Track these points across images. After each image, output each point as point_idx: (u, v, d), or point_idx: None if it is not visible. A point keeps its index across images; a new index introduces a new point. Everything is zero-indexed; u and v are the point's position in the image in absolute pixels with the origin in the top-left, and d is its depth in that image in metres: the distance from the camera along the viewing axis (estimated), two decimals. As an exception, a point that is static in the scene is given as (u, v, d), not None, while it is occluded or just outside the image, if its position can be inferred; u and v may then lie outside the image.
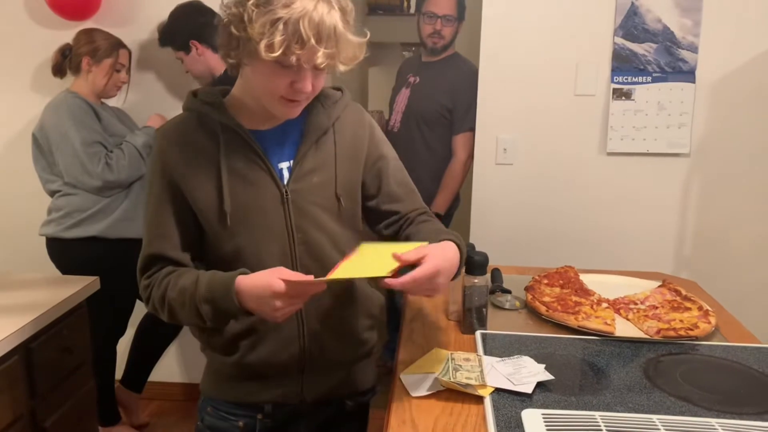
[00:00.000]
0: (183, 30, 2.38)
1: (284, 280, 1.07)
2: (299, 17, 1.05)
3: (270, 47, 1.06)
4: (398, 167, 1.37)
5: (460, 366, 1.25)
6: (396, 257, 1.09)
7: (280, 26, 1.05)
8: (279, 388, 1.30)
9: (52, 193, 2.39)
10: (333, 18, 1.08)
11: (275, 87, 1.13)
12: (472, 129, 2.58)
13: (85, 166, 2.25)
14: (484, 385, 1.18)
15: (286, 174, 1.24)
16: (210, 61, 2.38)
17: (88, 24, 2.49)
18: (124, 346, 2.62)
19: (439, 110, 2.74)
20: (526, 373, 1.22)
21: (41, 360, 1.63)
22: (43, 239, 2.39)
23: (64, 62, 2.38)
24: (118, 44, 2.39)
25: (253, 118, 1.23)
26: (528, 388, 1.16)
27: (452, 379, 1.18)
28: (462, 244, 1.24)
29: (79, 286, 1.81)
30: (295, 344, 1.26)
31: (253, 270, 1.17)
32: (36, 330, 1.60)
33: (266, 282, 1.09)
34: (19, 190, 2.74)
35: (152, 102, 2.65)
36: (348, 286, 1.31)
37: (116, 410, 2.60)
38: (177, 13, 2.40)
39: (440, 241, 1.20)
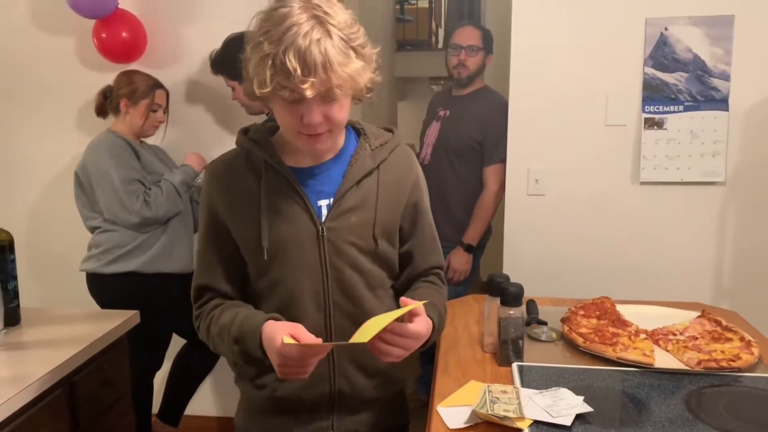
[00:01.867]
0: (237, 60, 2.41)
1: (287, 344, 1.08)
2: (285, 50, 1.06)
3: (261, 84, 1.10)
4: (431, 220, 1.39)
5: (498, 398, 1.24)
6: (403, 301, 1.14)
7: (269, 62, 1.08)
8: (311, 424, 1.30)
9: (92, 230, 2.45)
10: (323, 46, 1.07)
11: (288, 123, 1.16)
12: (503, 160, 2.59)
13: (124, 203, 2.31)
14: (522, 418, 1.17)
15: (324, 211, 1.25)
16: None
17: (134, 66, 2.58)
18: (160, 380, 2.65)
19: (469, 142, 2.76)
20: (564, 405, 1.20)
21: (83, 393, 1.66)
22: (84, 275, 2.45)
23: (106, 104, 2.47)
24: (154, 85, 2.47)
25: (296, 155, 1.26)
26: (567, 421, 1.15)
27: (490, 412, 1.18)
28: (439, 323, 1.27)
29: (120, 320, 1.85)
30: (325, 382, 1.27)
31: (289, 304, 1.21)
32: (79, 363, 1.63)
33: (273, 336, 1.12)
34: (61, 227, 2.83)
35: (192, 139, 2.72)
36: (356, 311, 1.28)
37: (153, 444, 2.62)
38: (233, 43, 2.42)
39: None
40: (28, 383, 1.43)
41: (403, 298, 1.16)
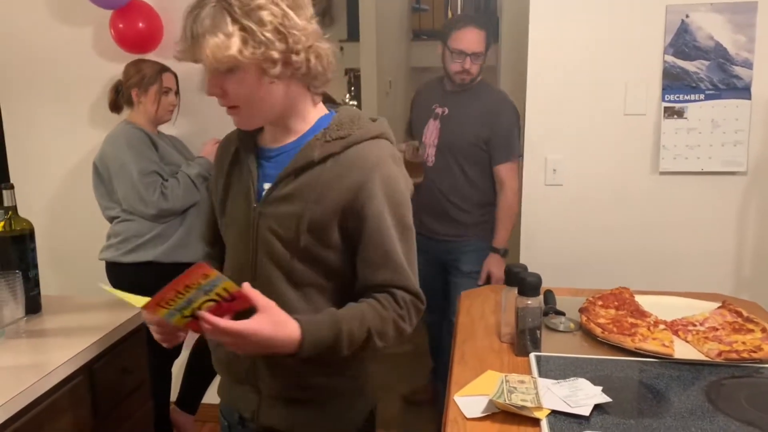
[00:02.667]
0: None
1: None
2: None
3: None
4: (384, 233, 1.17)
5: (515, 388, 1.23)
6: (245, 291, 1.06)
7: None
8: (242, 402, 1.32)
9: (111, 219, 2.47)
10: (201, 14, 1.09)
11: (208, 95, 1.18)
12: (516, 157, 2.56)
13: (142, 195, 2.32)
14: (540, 407, 1.16)
15: (261, 193, 1.23)
16: None
17: (151, 56, 2.59)
18: (178, 368, 2.67)
19: (475, 141, 2.61)
20: (582, 395, 1.20)
21: (103, 380, 1.68)
22: (103, 264, 2.47)
23: (118, 98, 2.49)
24: (161, 69, 2.47)
25: (266, 136, 1.28)
26: (585, 411, 1.15)
27: (507, 401, 1.17)
28: (313, 329, 1.12)
29: (138, 309, 1.86)
30: (245, 359, 1.28)
31: (233, 272, 1.27)
32: (99, 351, 1.65)
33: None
34: (80, 217, 2.85)
35: (207, 128, 2.73)
36: None
37: (171, 431, 2.65)
38: None
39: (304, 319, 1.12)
40: (49, 370, 1.45)
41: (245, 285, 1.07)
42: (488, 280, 2.66)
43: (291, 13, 1.10)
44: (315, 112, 1.24)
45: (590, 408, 1.15)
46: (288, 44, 1.10)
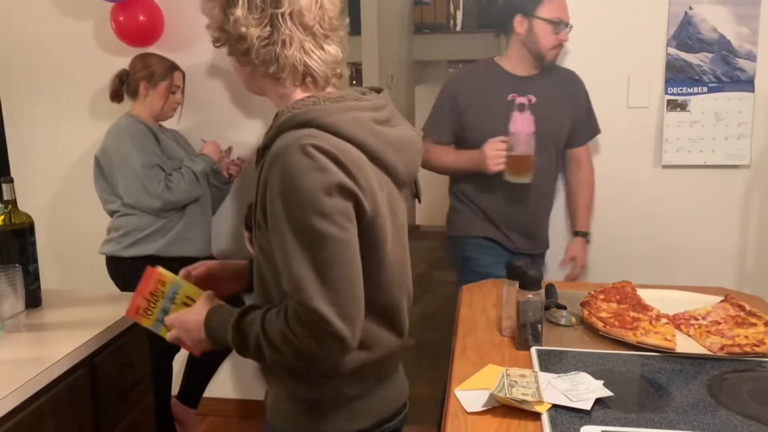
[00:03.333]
0: None
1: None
2: None
3: None
4: (283, 237, 1.02)
5: (516, 382, 1.23)
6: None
7: None
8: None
9: (111, 213, 2.47)
10: None
11: None
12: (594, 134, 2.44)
13: (146, 187, 2.32)
14: (540, 402, 1.16)
15: None
16: None
17: (151, 50, 2.58)
18: (180, 362, 2.67)
19: (569, 126, 2.33)
20: (584, 389, 1.19)
21: (103, 374, 1.68)
22: (103, 258, 2.47)
23: (122, 88, 2.48)
24: (172, 67, 2.47)
25: None
26: (586, 405, 1.14)
27: (508, 395, 1.17)
28: (216, 326, 1.15)
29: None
30: None
31: None
32: (99, 345, 1.65)
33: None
34: (81, 211, 2.85)
35: (208, 122, 2.72)
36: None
37: (172, 425, 2.65)
38: None
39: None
40: (49, 364, 1.45)
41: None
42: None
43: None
44: (294, 98, 1.12)
45: (591, 402, 1.15)
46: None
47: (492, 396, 1.19)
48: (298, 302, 1.01)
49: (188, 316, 1.22)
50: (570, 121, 2.32)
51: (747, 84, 2.33)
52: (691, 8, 2.32)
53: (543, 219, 2.39)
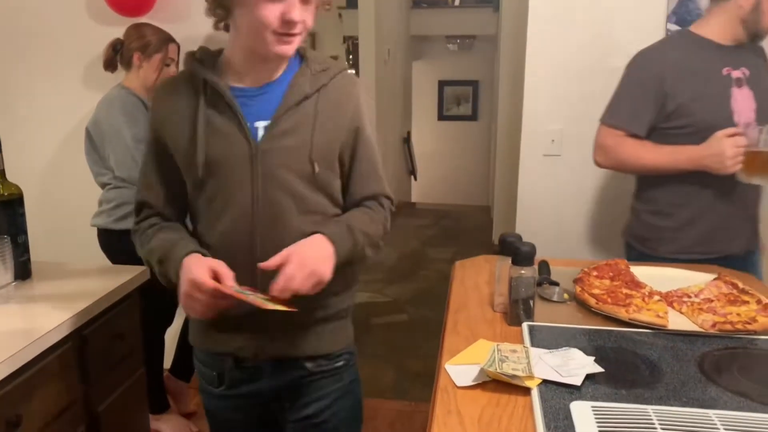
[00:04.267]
0: None
1: (201, 283, 1.18)
2: None
3: None
4: (373, 149, 1.38)
5: (507, 357, 1.23)
6: (261, 266, 1.20)
7: None
8: (239, 342, 1.36)
9: (102, 186, 2.45)
10: None
11: (267, 21, 1.18)
12: None
13: (137, 161, 2.29)
14: (531, 377, 1.15)
15: (261, 133, 1.27)
16: None
17: (143, 20, 2.54)
18: (172, 335, 2.67)
19: None
20: (574, 365, 1.19)
21: (94, 347, 1.67)
22: (95, 230, 2.45)
23: (115, 57, 2.44)
24: (167, 39, 2.43)
25: (239, 76, 1.30)
26: (577, 380, 1.14)
27: (498, 370, 1.16)
28: (337, 234, 1.28)
29: (130, 275, 1.85)
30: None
31: (218, 220, 1.29)
32: (89, 317, 1.64)
33: (190, 265, 1.22)
34: (72, 182, 2.83)
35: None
36: (285, 240, 1.30)
37: (165, 399, 2.66)
38: None
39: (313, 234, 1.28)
40: (38, 336, 1.44)
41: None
42: None
43: None
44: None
45: (582, 377, 1.14)
46: None
47: (482, 371, 1.19)
48: (385, 195, 1.40)
49: (312, 245, 1.25)
50: None
51: None
52: (691, -17, 2.29)
53: (756, 211, 2.01)
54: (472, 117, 7.68)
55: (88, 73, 2.76)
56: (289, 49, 1.24)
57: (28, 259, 1.80)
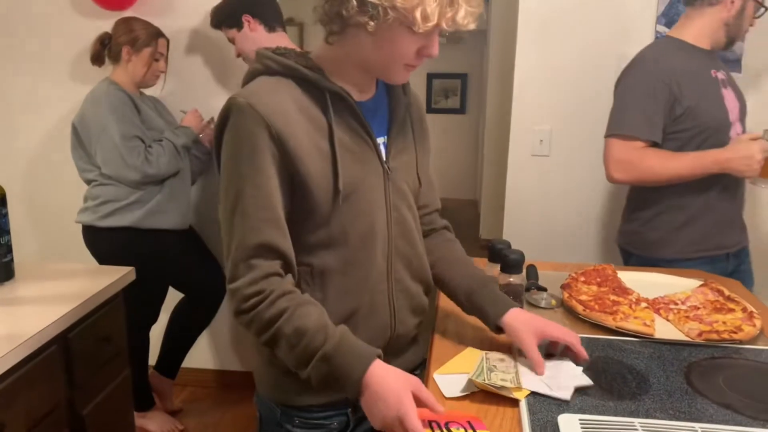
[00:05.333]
0: (238, 5, 2.34)
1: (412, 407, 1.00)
2: None
3: (426, 17, 1.01)
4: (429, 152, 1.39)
5: (495, 366, 1.22)
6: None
7: None
8: None
9: (88, 182, 2.42)
10: None
11: (404, 53, 1.08)
12: None
13: (125, 159, 2.27)
14: (519, 388, 1.15)
15: (382, 150, 1.21)
16: (260, 39, 2.32)
17: (128, 14, 2.50)
18: (157, 332, 2.66)
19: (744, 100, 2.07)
20: (564, 377, 1.19)
21: (79, 349, 1.65)
22: (80, 227, 2.43)
23: (103, 51, 2.40)
24: (156, 33, 2.40)
25: (351, 89, 1.16)
26: (566, 395, 1.14)
27: (487, 381, 1.16)
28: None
29: (116, 276, 1.83)
30: (387, 329, 1.24)
31: (359, 252, 1.16)
32: (74, 320, 1.62)
33: (398, 398, 1.00)
34: (58, 179, 2.79)
35: (187, 90, 2.66)
36: (412, 253, 1.28)
37: (150, 396, 2.65)
38: None
39: (500, 302, 1.29)
40: (22, 340, 1.42)
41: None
42: None
43: None
44: None
45: (571, 392, 1.14)
46: None
47: (470, 381, 1.19)
48: (440, 209, 1.47)
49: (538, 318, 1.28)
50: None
51: (734, 64, 2.31)
52: (681, -15, 2.29)
53: (742, 204, 2.05)
54: (461, 110, 7.67)
55: (72, 67, 2.72)
56: (408, 77, 1.17)
57: (11, 260, 1.77)
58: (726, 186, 1.91)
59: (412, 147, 1.28)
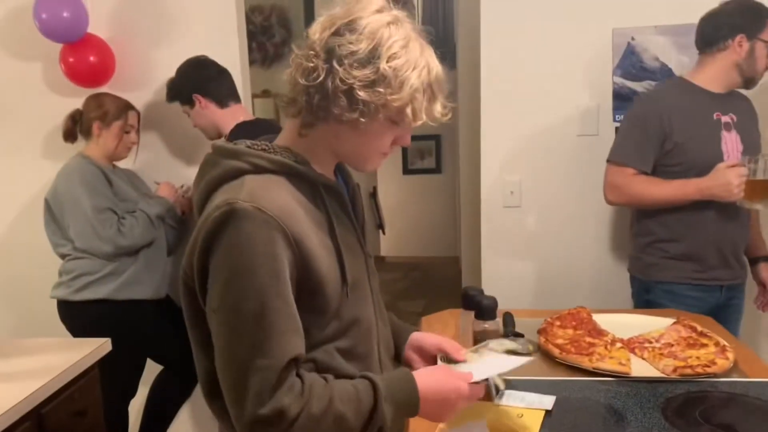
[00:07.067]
0: (187, 84, 2.39)
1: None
2: (435, 78, 1.04)
3: (416, 114, 1.04)
4: None
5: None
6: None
7: (421, 90, 1.03)
8: None
9: (62, 257, 2.41)
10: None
11: (383, 144, 1.09)
12: None
13: (97, 231, 2.27)
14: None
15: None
16: (213, 115, 2.37)
17: (104, 89, 2.55)
18: (137, 408, 2.59)
19: (760, 146, 2.17)
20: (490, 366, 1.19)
21: (53, 425, 1.61)
22: (55, 302, 2.40)
23: (75, 128, 2.44)
24: (126, 106, 2.45)
25: (327, 172, 1.14)
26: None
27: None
28: None
29: (90, 348, 1.81)
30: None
31: (362, 342, 1.12)
32: (48, 395, 1.59)
33: (454, 386, 1.08)
34: (31, 254, 2.77)
35: (161, 162, 2.69)
36: (388, 336, 1.27)
37: (131, 473, 2.56)
38: (182, 68, 2.42)
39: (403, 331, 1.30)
40: (-7, 417, 1.39)
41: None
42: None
43: None
44: None
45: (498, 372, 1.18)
46: None
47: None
48: None
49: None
50: (760, 141, 2.16)
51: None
52: (633, 38, 2.40)
53: (744, 241, 2.15)
54: (437, 170, 7.77)
55: (46, 144, 2.74)
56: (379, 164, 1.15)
57: (-16, 337, 1.75)
58: (725, 224, 2.01)
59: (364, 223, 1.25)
